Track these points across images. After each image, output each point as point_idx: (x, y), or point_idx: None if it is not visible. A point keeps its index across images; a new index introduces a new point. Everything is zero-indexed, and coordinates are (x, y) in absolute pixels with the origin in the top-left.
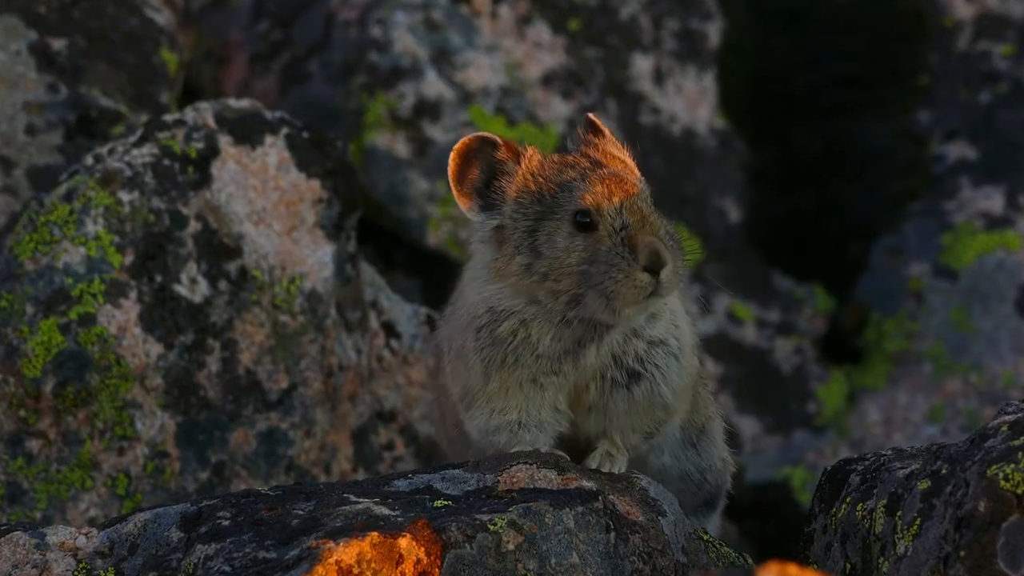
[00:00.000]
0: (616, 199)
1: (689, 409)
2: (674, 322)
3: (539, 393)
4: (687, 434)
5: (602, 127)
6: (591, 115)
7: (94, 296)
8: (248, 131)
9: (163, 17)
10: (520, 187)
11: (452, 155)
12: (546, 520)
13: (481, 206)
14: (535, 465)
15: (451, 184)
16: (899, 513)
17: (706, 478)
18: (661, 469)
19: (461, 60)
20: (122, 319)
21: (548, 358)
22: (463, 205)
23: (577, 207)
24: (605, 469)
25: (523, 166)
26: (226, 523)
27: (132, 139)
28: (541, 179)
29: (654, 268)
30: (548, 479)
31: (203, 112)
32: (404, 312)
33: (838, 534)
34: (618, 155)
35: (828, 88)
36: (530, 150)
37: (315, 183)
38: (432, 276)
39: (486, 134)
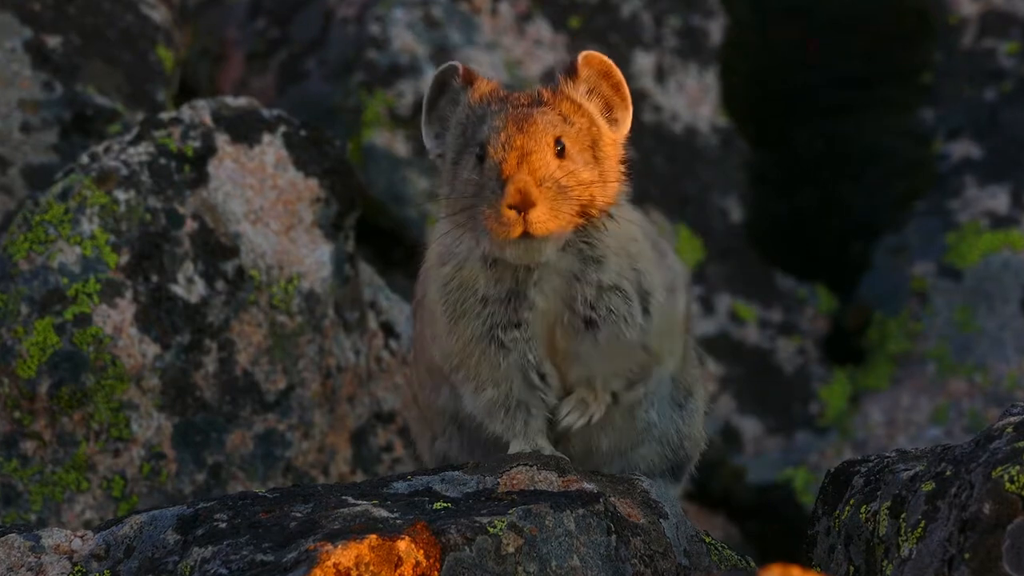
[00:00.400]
0: (505, 135)
1: (681, 360)
2: (633, 266)
3: (504, 357)
4: (675, 394)
5: (580, 68)
6: (582, 55)
7: (89, 296)
8: (245, 129)
9: (159, 14)
10: (459, 117)
11: (431, 81)
12: (546, 522)
13: (436, 133)
14: (535, 467)
15: (423, 111)
16: (903, 515)
17: (683, 445)
18: (647, 426)
19: (461, 57)
20: (118, 319)
21: (496, 303)
22: (423, 133)
23: (479, 140)
24: (575, 417)
25: (469, 96)
26: (223, 525)
27: (128, 137)
28: (472, 110)
29: (519, 207)
30: (548, 481)
31: (200, 110)
32: (403, 312)
33: (841, 536)
34: (575, 99)
35: (831, 86)
36: (480, 80)
37: (313, 182)
38: None
39: (454, 63)
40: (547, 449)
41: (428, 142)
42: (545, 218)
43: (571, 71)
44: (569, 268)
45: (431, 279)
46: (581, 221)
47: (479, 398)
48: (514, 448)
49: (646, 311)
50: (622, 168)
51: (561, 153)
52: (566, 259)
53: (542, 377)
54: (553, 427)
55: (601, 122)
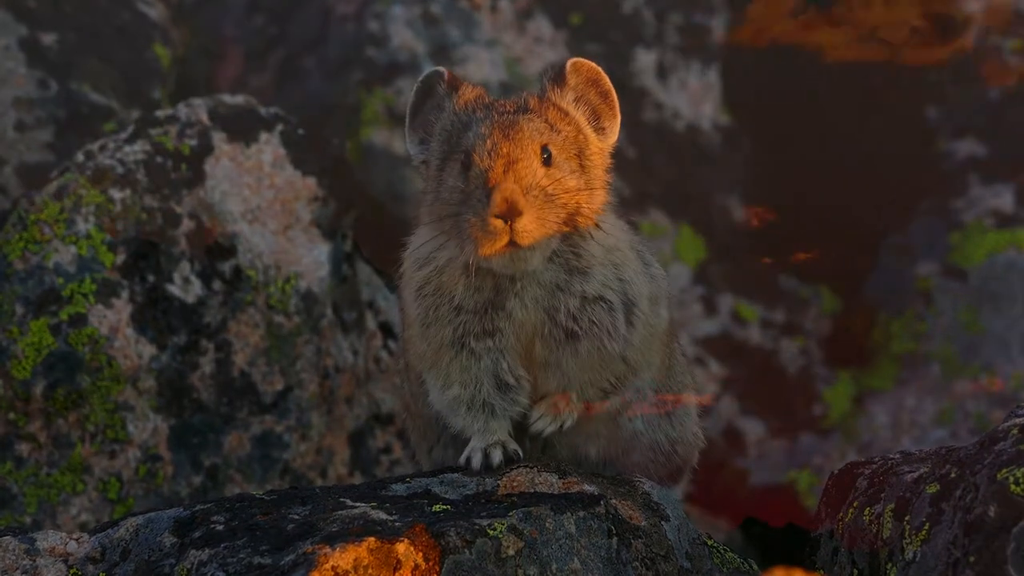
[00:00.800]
0: (491, 142)
1: (662, 370)
2: (619, 276)
3: (475, 363)
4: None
5: (568, 76)
6: (571, 62)
7: (85, 296)
8: (242, 128)
9: (156, 11)
10: (444, 123)
11: (414, 88)
12: (547, 525)
13: (420, 139)
14: (536, 468)
15: (407, 117)
16: (907, 518)
17: (676, 450)
18: (632, 435)
19: (460, 55)
20: (114, 319)
21: (470, 312)
22: (407, 139)
23: (464, 147)
24: (546, 423)
25: (454, 102)
26: (220, 528)
27: (124, 136)
28: (457, 117)
29: (506, 216)
30: (549, 483)
31: (196, 108)
32: None
33: (845, 539)
34: (562, 106)
35: (834, 84)
36: (465, 86)
37: (311, 181)
38: None
39: (439, 68)
40: (511, 444)
41: (411, 149)
42: (532, 227)
43: (558, 78)
44: (553, 279)
45: (406, 283)
46: (568, 230)
47: (445, 394)
48: (475, 443)
49: (630, 323)
50: (608, 177)
51: (548, 161)
52: (551, 270)
53: (514, 382)
54: (524, 431)
55: (588, 130)
